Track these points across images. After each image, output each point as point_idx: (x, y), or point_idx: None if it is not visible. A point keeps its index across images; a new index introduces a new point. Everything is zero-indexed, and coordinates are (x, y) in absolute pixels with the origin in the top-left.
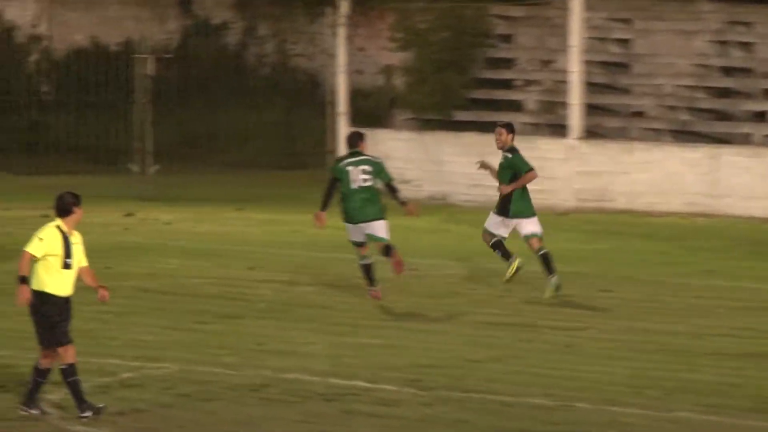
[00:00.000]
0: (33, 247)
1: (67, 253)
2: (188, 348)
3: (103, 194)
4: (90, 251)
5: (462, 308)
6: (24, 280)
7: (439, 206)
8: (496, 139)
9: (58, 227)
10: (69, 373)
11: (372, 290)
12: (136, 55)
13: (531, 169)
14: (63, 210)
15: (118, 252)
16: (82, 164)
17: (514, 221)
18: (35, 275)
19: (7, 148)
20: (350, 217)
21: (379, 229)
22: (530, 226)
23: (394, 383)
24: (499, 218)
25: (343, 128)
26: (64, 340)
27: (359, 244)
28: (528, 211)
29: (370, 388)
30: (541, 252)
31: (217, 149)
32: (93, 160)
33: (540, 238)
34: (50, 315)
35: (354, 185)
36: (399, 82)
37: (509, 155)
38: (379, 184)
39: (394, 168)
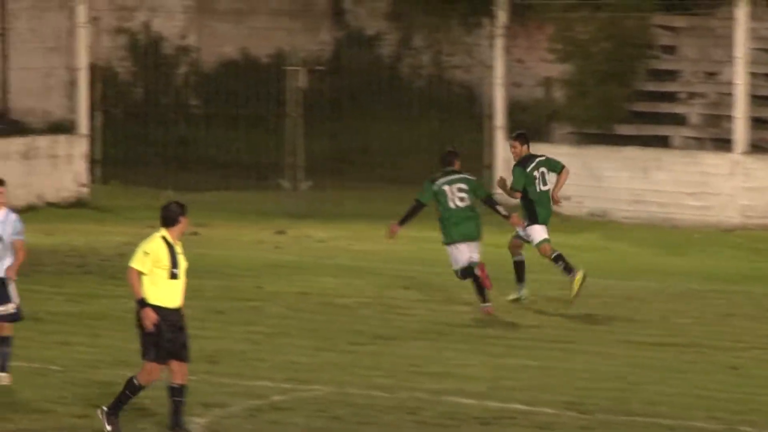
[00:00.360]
0: (138, 263)
1: (174, 263)
2: (341, 369)
3: (253, 211)
4: (240, 269)
5: (622, 328)
6: (143, 302)
7: (599, 223)
8: (512, 153)
9: (163, 238)
10: (178, 392)
11: (485, 306)
12: (287, 68)
13: (517, 191)
14: (169, 220)
15: (269, 270)
16: (231, 180)
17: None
18: (142, 288)
19: (155, 163)
20: (452, 237)
21: (475, 249)
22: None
23: (553, 406)
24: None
25: (501, 143)
26: (182, 354)
27: (465, 270)
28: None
29: (528, 411)
30: (518, 259)
31: (371, 164)
32: (243, 176)
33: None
34: (158, 327)
35: (451, 204)
36: (558, 94)
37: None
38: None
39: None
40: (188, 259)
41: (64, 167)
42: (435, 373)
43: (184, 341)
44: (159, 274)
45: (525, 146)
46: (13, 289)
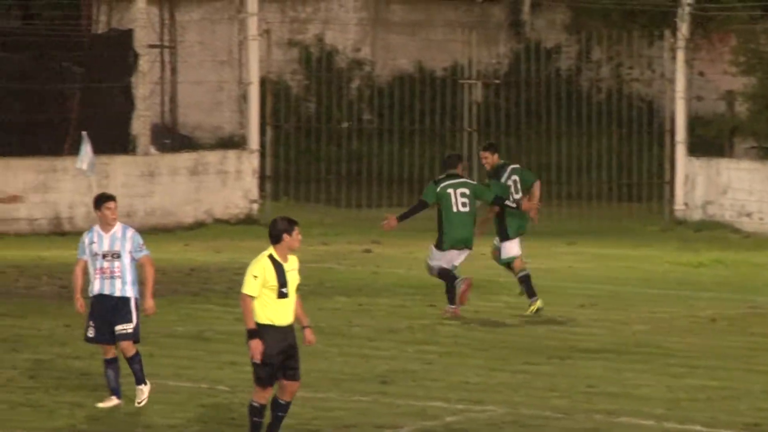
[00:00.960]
0: (250, 288)
1: (282, 282)
2: (515, 390)
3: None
4: (413, 288)
5: None
6: (253, 333)
7: None
8: (484, 164)
9: (270, 256)
10: (282, 408)
11: (451, 308)
12: (463, 81)
13: (493, 201)
14: (274, 237)
15: (442, 289)
16: (406, 196)
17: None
18: (253, 316)
19: (328, 178)
20: (449, 242)
21: (464, 256)
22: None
23: (733, 428)
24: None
25: (682, 158)
26: (291, 373)
27: (443, 270)
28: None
29: None
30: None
31: (549, 180)
32: (418, 192)
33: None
34: (269, 347)
35: (454, 208)
36: (741, 108)
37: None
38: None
39: (734, 199)
40: (360, 277)
41: (234, 183)
42: (611, 393)
43: (294, 360)
44: (268, 294)
45: (495, 155)
46: (134, 309)
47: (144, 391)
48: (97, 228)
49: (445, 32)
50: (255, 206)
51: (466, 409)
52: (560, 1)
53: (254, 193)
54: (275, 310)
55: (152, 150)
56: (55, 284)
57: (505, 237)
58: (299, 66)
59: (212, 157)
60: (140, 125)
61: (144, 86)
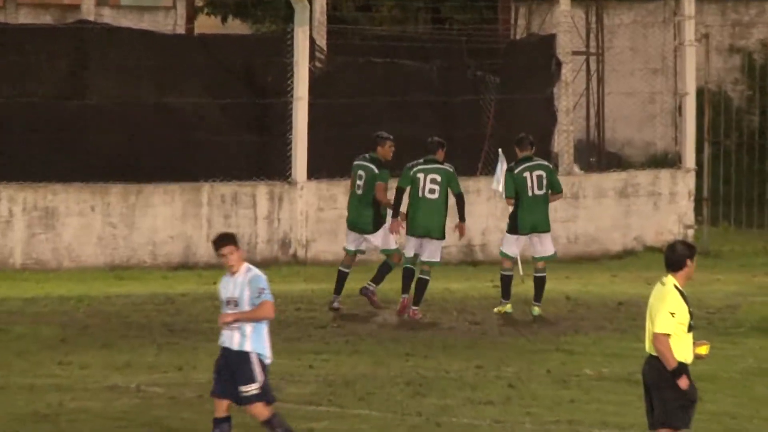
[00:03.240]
0: (668, 326)
1: (691, 314)
2: None
3: None
4: None
5: None
6: (683, 367)
7: None
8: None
9: (676, 287)
10: None
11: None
12: None
13: (509, 197)
14: (674, 263)
15: None
16: None
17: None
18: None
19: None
20: (408, 228)
21: (433, 251)
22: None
23: None
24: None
25: None
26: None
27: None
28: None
29: None
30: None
31: None
32: None
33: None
34: (691, 385)
35: (420, 193)
36: None
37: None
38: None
39: None
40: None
41: (667, 206)
42: None
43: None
44: (678, 329)
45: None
46: (256, 365)
47: None
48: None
49: None
50: (690, 232)
51: None
52: None
53: (690, 217)
54: (685, 346)
55: (576, 169)
56: (465, 320)
57: (509, 229)
58: (741, 75)
59: (643, 177)
60: (563, 141)
61: (567, 98)
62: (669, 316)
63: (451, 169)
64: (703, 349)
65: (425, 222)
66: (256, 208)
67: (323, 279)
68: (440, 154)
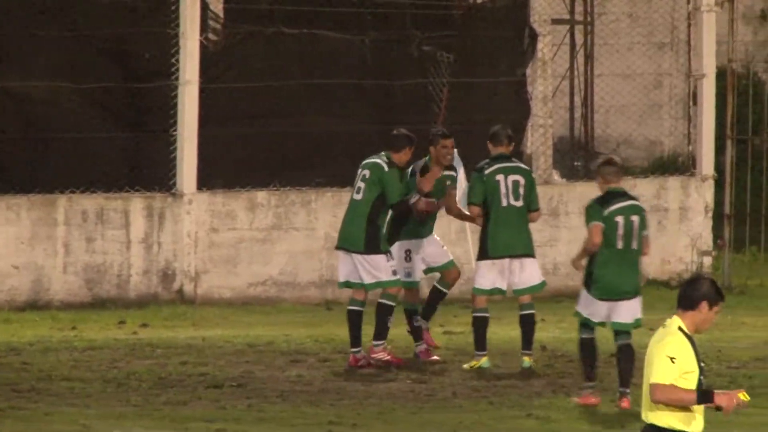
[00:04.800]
0: (668, 374)
1: (701, 367)
2: None
3: None
4: None
5: None
6: (706, 395)
7: None
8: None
9: (681, 329)
10: None
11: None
12: None
13: (474, 205)
14: (689, 300)
15: None
16: None
17: None
18: (656, 407)
19: None
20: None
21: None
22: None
23: None
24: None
25: None
26: None
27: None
28: None
29: None
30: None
31: None
32: None
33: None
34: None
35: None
36: None
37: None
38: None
39: None
40: None
41: (676, 226)
42: None
43: None
44: (681, 382)
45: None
46: None
47: None
48: None
49: None
50: (707, 260)
51: None
52: None
53: (707, 240)
54: (687, 410)
55: (556, 177)
56: (408, 377)
57: (480, 254)
58: None
59: (645, 186)
60: (539, 139)
61: (545, 81)
62: (669, 362)
63: (386, 170)
64: (742, 395)
65: (344, 232)
66: (128, 228)
67: (217, 323)
68: (400, 154)
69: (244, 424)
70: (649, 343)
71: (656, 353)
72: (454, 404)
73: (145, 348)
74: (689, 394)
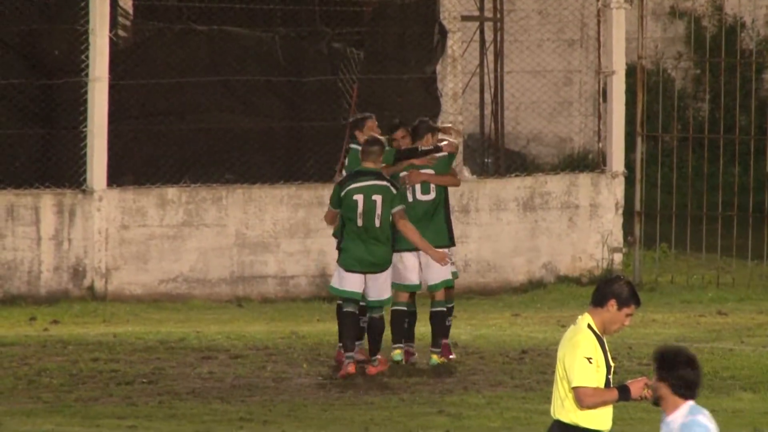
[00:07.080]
0: (588, 376)
1: (609, 366)
2: None
3: None
4: None
5: None
6: (624, 391)
7: None
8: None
9: (589, 326)
10: None
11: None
12: None
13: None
14: (600, 297)
15: None
16: None
17: None
18: (566, 405)
19: (729, 216)
20: None
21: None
22: None
23: None
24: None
25: None
26: None
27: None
28: None
29: None
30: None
31: None
32: None
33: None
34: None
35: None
36: None
37: None
38: None
39: None
40: None
41: (587, 223)
42: None
43: None
44: (598, 380)
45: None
46: None
47: None
48: None
49: None
50: (618, 257)
51: None
52: None
53: (618, 237)
54: (599, 409)
55: (466, 173)
56: (318, 373)
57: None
58: (686, 47)
59: (555, 183)
60: (447, 135)
61: (455, 78)
62: (586, 363)
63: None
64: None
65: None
66: (38, 224)
67: (128, 319)
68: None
69: (155, 421)
70: (561, 339)
71: (569, 353)
72: (365, 401)
73: (56, 345)
74: (611, 393)
